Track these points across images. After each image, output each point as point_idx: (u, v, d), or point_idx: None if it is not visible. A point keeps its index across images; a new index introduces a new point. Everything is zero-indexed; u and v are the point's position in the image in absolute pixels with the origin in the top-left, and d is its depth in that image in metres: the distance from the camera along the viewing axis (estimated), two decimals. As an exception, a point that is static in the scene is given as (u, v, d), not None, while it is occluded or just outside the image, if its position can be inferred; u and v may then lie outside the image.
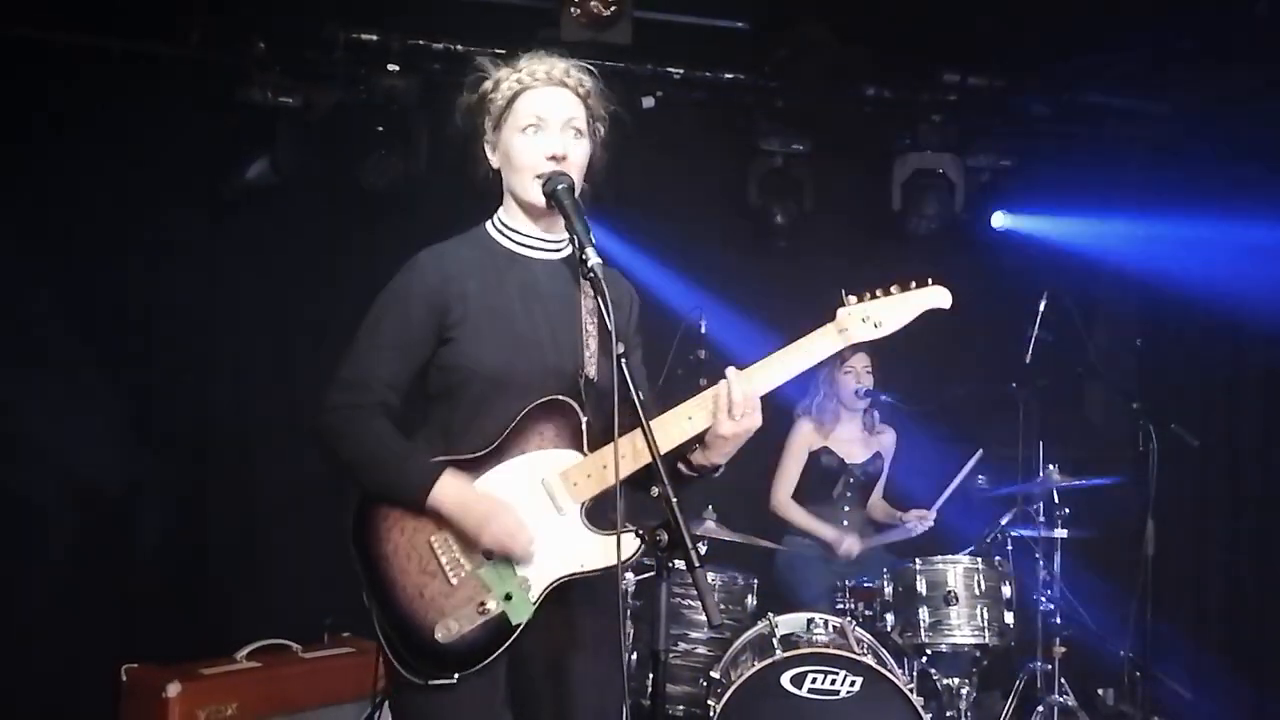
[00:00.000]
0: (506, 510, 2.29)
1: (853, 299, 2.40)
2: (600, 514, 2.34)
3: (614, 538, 2.21)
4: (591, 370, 2.40)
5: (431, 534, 2.31)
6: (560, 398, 2.35)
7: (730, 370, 2.33)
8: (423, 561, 2.30)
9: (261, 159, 4.85)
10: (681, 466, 2.44)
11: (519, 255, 2.45)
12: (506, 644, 2.29)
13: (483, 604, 2.28)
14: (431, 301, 2.35)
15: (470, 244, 2.46)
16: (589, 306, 2.43)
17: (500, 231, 2.47)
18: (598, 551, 2.32)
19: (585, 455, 2.35)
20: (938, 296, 2.44)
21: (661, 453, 2.18)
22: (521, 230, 2.46)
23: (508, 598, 2.29)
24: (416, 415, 2.46)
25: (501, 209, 2.49)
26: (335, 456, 2.33)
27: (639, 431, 2.20)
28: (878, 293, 2.41)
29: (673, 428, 2.33)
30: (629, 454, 2.25)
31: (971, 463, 4.90)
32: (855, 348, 4.94)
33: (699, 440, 2.36)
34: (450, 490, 2.28)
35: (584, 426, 2.36)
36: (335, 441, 2.32)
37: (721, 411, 2.30)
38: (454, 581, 2.29)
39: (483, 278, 2.39)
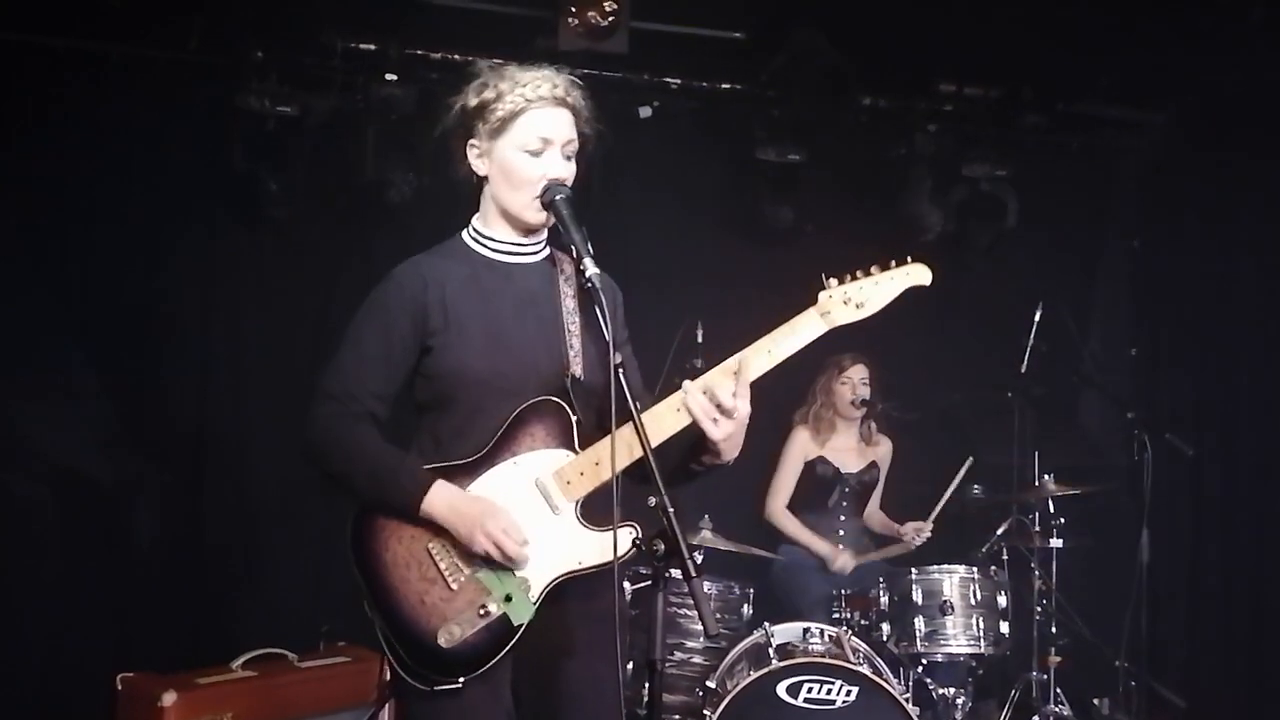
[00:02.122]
0: (499, 513, 2.30)
1: (834, 281, 2.38)
2: (595, 511, 2.34)
3: (609, 534, 2.24)
4: (577, 369, 2.40)
5: (429, 541, 2.32)
6: (549, 398, 2.37)
7: (712, 376, 2.30)
8: (422, 568, 2.31)
9: (258, 167, 4.85)
10: (693, 465, 2.43)
11: (496, 261, 2.48)
12: (509, 645, 2.29)
13: (484, 607, 2.29)
14: (411, 311, 2.37)
15: (446, 253, 2.49)
16: (570, 305, 2.46)
17: (476, 240, 2.49)
18: (594, 548, 2.32)
19: (577, 453, 2.35)
20: (918, 274, 2.41)
21: (654, 444, 2.21)
22: (498, 238, 2.48)
23: (508, 599, 2.29)
24: (409, 426, 2.47)
25: (478, 219, 2.51)
26: (327, 470, 2.35)
27: (631, 427, 2.21)
28: (858, 273, 2.38)
29: (666, 420, 2.32)
30: (623, 449, 2.25)
31: (963, 471, 4.89)
32: (854, 358, 5.01)
33: (701, 444, 2.35)
34: (442, 497, 2.29)
35: (575, 425, 2.37)
36: (325, 454, 2.35)
37: (708, 421, 2.27)
38: (454, 587, 2.30)
39: (461, 284, 2.41)
